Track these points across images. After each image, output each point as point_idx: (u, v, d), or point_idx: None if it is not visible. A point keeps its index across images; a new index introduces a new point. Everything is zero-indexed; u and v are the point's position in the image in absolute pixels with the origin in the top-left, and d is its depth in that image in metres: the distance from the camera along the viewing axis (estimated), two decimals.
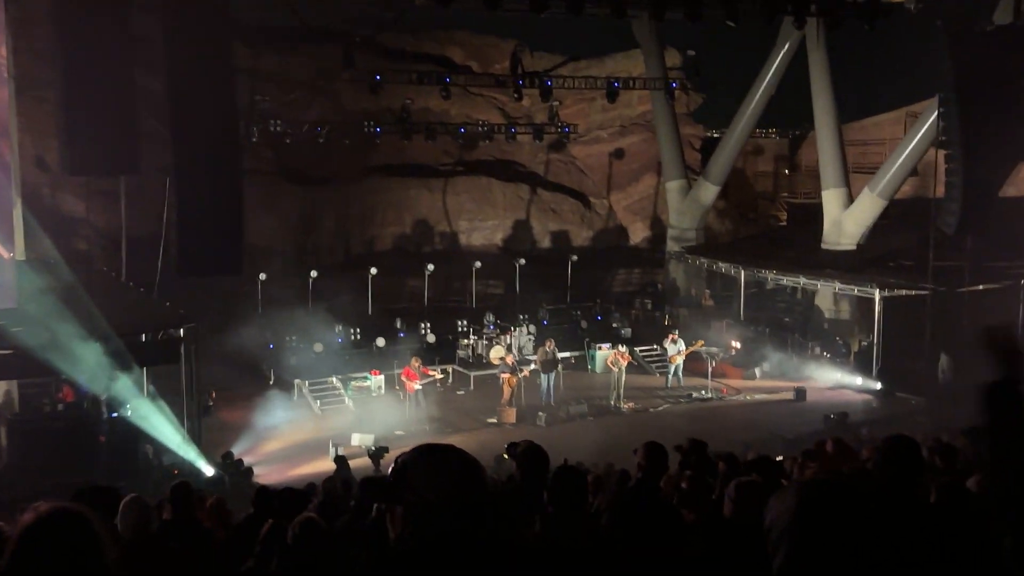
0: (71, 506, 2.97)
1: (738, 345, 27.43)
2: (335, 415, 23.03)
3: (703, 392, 24.92)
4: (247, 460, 18.87)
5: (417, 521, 3.01)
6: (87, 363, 16.50)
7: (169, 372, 18.82)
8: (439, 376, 23.72)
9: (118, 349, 16.87)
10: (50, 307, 16.57)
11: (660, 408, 24.02)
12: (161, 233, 23.33)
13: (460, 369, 26.07)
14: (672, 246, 34.67)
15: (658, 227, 38.51)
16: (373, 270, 28.66)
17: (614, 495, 4.74)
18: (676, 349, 25.55)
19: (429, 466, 3.11)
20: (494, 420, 22.35)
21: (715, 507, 6.19)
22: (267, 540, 6.42)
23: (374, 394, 24.39)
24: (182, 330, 18.79)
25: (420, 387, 22.16)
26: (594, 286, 33.68)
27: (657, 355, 27.61)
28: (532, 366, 23.97)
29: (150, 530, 5.97)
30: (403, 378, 22.32)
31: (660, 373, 26.71)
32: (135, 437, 17.64)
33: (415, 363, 22.37)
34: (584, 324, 30.43)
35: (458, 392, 25.16)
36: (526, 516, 5.13)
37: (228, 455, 18.57)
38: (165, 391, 18.69)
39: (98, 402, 17.82)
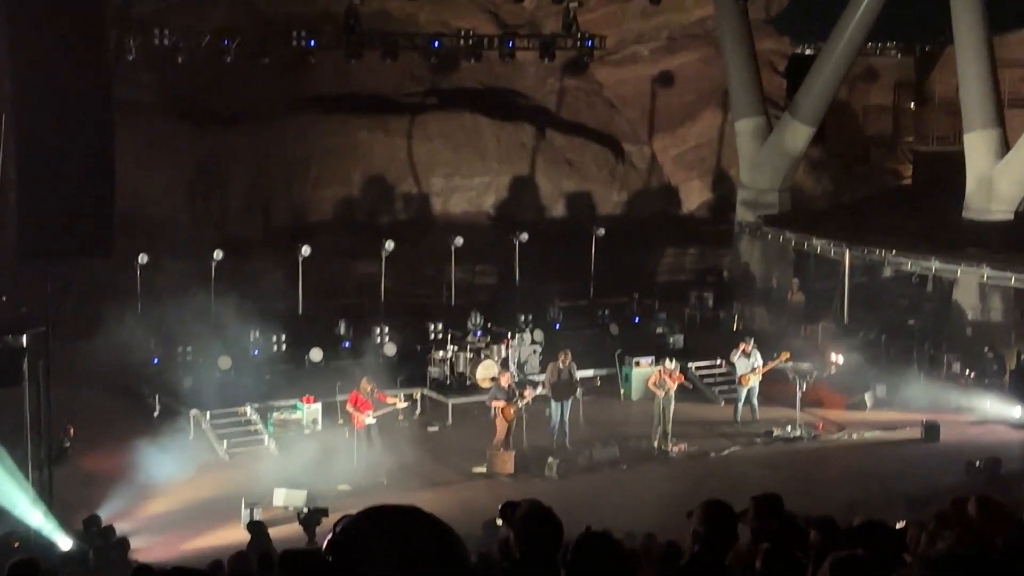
0: None
1: (840, 360, 27.46)
2: (250, 462, 23.06)
3: (789, 428, 24.97)
4: (120, 528, 18.84)
5: None
6: None
7: (7, 399, 18.79)
8: (402, 405, 23.76)
9: None
10: None
11: (726, 452, 24.06)
12: None
13: (433, 395, 26.12)
14: (744, 215, 34.80)
15: (723, 187, 38.61)
16: (305, 249, 28.67)
17: None
18: (749, 365, 25.57)
19: (383, 537, 3.16)
20: (482, 469, 22.38)
21: None
22: None
23: (307, 431, 24.45)
24: (25, 338, 18.75)
25: (374, 421, 22.20)
26: (629, 274, 33.75)
27: (722, 375, 27.67)
28: (539, 390, 24.02)
29: None
30: (349, 408, 22.36)
31: (726, 401, 26.79)
32: None
33: (366, 386, 22.41)
34: (615, 329, 30.46)
35: (430, 428, 25.22)
36: None
37: (93, 520, 18.56)
38: (1, 427, 18.65)
39: None
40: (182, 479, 21.72)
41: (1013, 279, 27.27)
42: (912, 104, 41.83)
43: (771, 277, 33.59)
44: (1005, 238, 28.70)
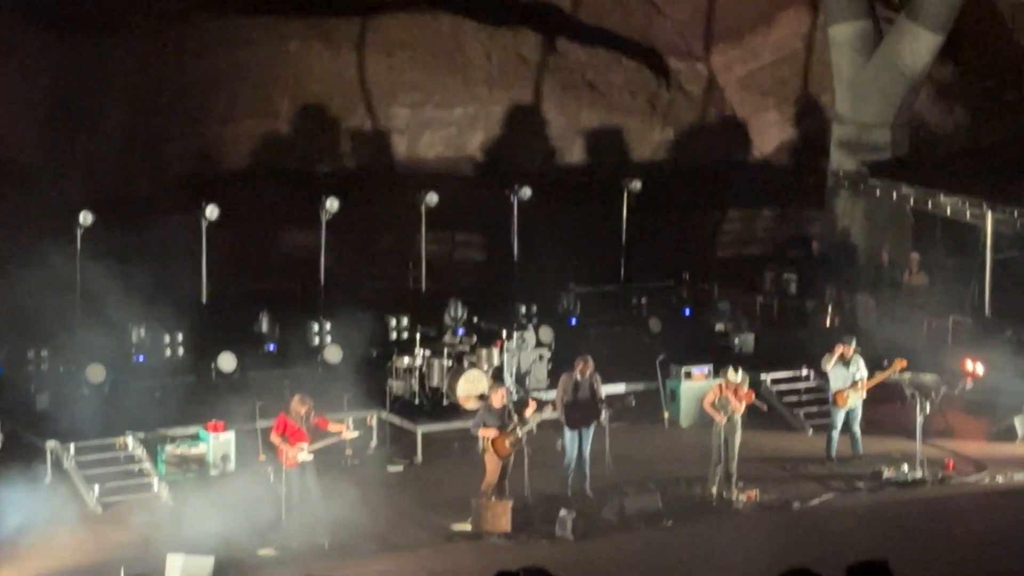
0: None
1: (979, 369, 27.40)
2: (132, 515, 22.97)
3: (905, 468, 24.94)
4: None
5: None
6: None
7: None
8: (350, 435, 23.69)
9: None
10: None
11: (816, 501, 24.01)
12: None
13: (395, 420, 26.14)
14: (842, 161, 34.77)
15: (812, 122, 38.49)
16: (212, 211, 28.53)
17: None
18: (848, 378, 25.54)
19: None
20: (466, 526, 22.31)
21: None
22: None
23: (214, 471, 24.44)
24: None
25: (310, 457, 22.14)
26: (677, 246, 33.68)
27: (810, 391, 27.70)
28: (547, 413, 23.98)
29: None
30: (276, 439, 22.26)
31: (816, 429, 26.86)
32: None
33: (300, 408, 22.28)
34: (656, 326, 30.51)
35: (391, 468, 25.23)
36: None
37: None
38: None
39: None
40: (35, 539, 21.61)
41: None
42: None
43: (882, 251, 33.52)
44: None
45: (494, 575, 6.25)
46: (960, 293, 31.93)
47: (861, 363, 25.59)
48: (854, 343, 25.97)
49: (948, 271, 33.21)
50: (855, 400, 25.51)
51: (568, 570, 5.71)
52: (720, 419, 23.88)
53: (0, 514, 21.89)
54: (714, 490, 23.86)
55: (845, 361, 25.52)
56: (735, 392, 24.06)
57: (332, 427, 22.76)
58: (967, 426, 27.03)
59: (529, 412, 23.01)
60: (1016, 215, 30.20)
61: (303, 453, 21.91)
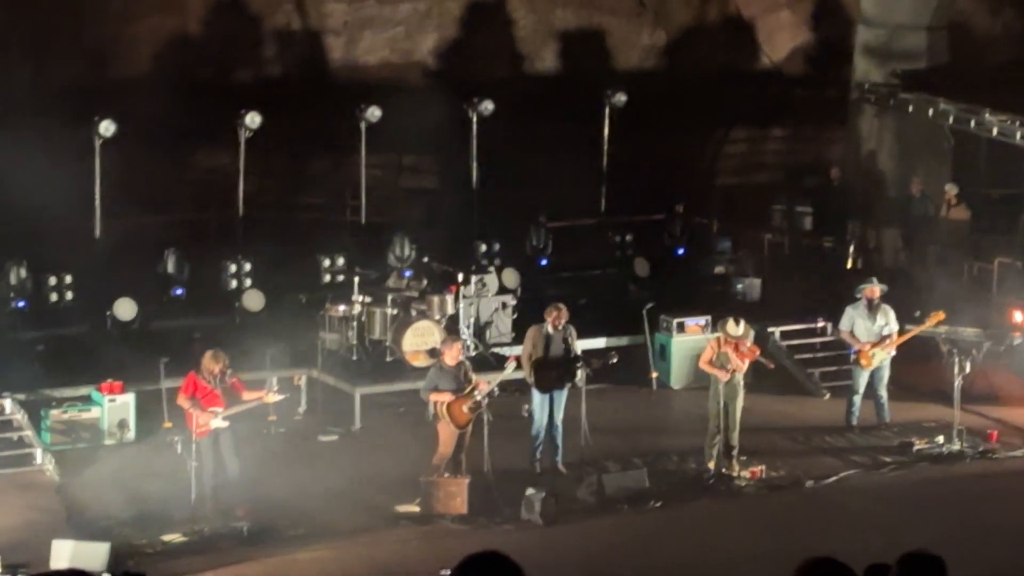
0: None
1: None
2: (12, 492, 23.04)
3: (941, 440, 25.13)
4: None
5: None
6: None
7: None
8: (273, 398, 23.73)
9: None
10: None
11: (833, 479, 24.19)
12: None
13: (329, 380, 26.26)
14: (867, 71, 34.88)
15: (832, 23, 38.54)
16: (106, 127, 28.49)
17: None
18: (875, 331, 25.71)
19: None
20: (415, 508, 22.41)
21: None
22: None
23: (109, 440, 24.52)
24: None
25: (225, 424, 22.18)
26: (669, 172, 33.74)
27: (826, 346, 27.86)
28: (509, 369, 24.05)
29: None
30: (184, 402, 22.27)
31: (834, 392, 27.08)
32: None
33: (212, 365, 22.32)
34: (643, 268, 30.62)
35: (323, 438, 25.34)
36: None
37: None
38: None
39: None
40: None
41: None
42: None
43: (912, 179, 33.64)
44: None
45: (460, 563, 6.24)
46: (1008, 231, 32.11)
47: (891, 314, 25.74)
48: (878, 288, 26.06)
49: (993, 204, 33.35)
50: (881, 359, 25.66)
51: (536, 560, 5.67)
52: (722, 376, 23.92)
53: None
54: (712, 465, 23.98)
55: (870, 311, 25.65)
56: (736, 348, 24.17)
57: (249, 394, 22.78)
58: (1014, 390, 27.14)
59: (490, 380, 23.12)
60: None
61: (216, 419, 21.93)
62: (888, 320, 25.65)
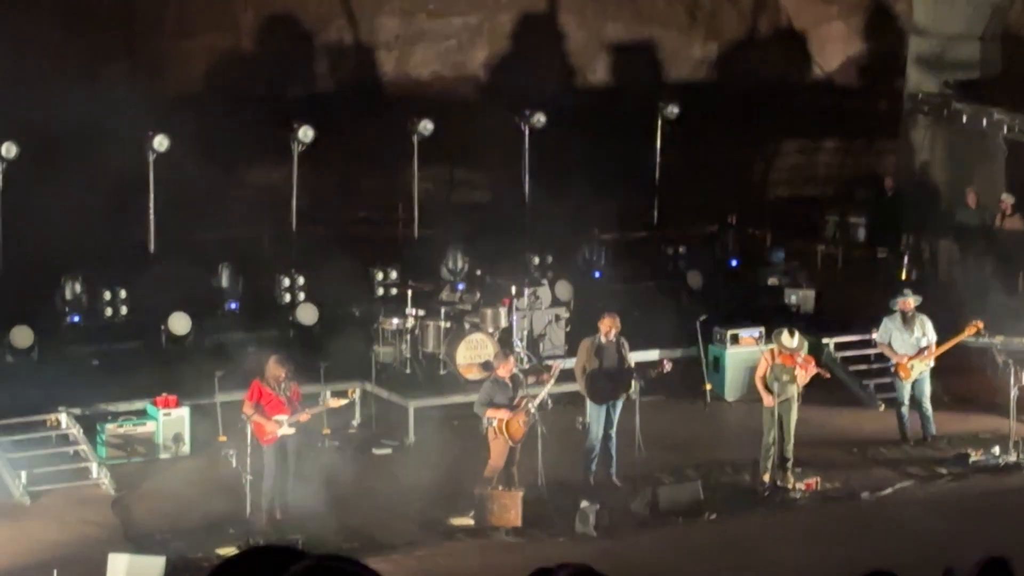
0: None
1: None
2: (67, 507, 23.09)
3: (997, 451, 24.99)
4: None
5: None
6: None
7: None
8: (337, 403, 23.78)
9: None
10: None
11: (889, 491, 24.09)
12: None
13: (383, 393, 26.28)
14: (921, 82, 34.75)
15: (885, 33, 38.41)
16: (160, 142, 28.55)
17: None
18: (913, 342, 25.60)
19: None
20: (468, 521, 22.41)
21: None
22: None
23: (165, 454, 24.58)
24: None
25: (292, 430, 22.18)
26: (721, 184, 33.67)
27: (881, 356, 27.67)
28: (554, 377, 23.98)
29: None
30: (248, 410, 22.27)
31: (889, 404, 26.91)
32: None
33: (277, 371, 22.34)
34: (696, 280, 30.55)
35: (378, 451, 25.36)
36: None
37: None
38: None
39: None
40: None
41: None
42: None
43: (966, 189, 33.47)
44: None
45: (535, 572, 6.21)
46: None
47: (928, 325, 25.73)
48: (911, 298, 26.14)
49: None
50: (920, 370, 25.62)
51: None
52: (768, 401, 23.88)
53: None
54: (767, 477, 23.97)
55: (908, 322, 25.63)
56: (791, 358, 24.09)
57: (325, 405, 22.84)
58: None
59: (543, 393, 23.10)
60: None
61: (283, 427, 21.94)
62: (925, 331, 25.65)
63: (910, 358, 25.53)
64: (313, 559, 3.97)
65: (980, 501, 23.64)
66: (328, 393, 23.87)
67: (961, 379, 26.56)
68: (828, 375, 25.74)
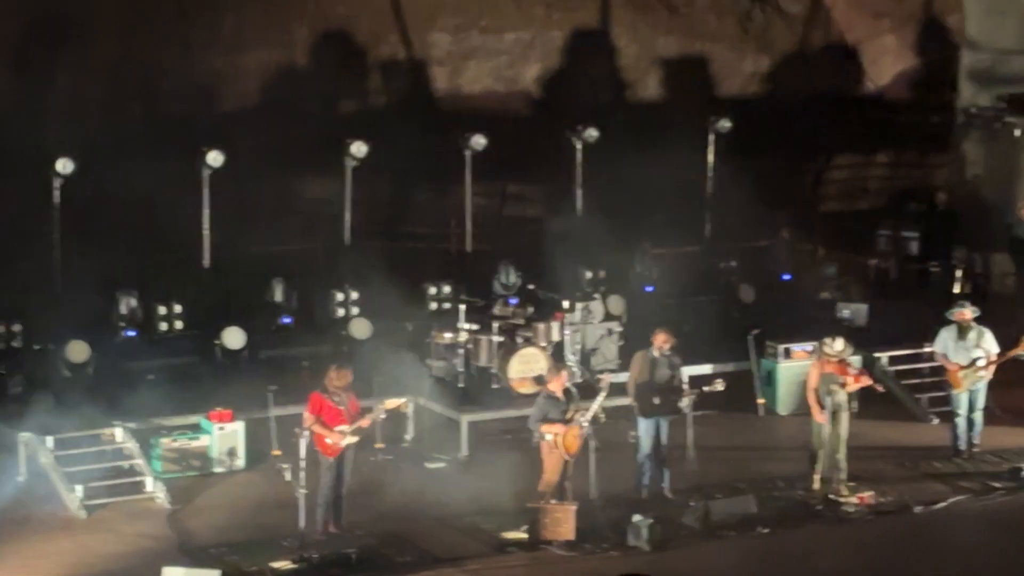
0: None
1: None
2: (122, 520, 23.14)
3: None
4: None
5: None
6: None
7: None
8: (393, 403, 23.79)
9: None
10: None
11: (939, 506, 23.98)
12: None
13: (435, 408, 26.29)
14: (974, 95, 34.65)
15: (937, 47, 38.30)
16: (215, 157, 28.59)
17: None
18: (968, 352, 25.53)
19: None
20: (522, 534, 22.38)
21: None
22: None
23: (219, 468, 24.66)
24: None
25: (354, 439, 22.21)
26: (773, 198, 33.63)
27: (935, 370, 27.58)
28: (604, 390, 23.95)
29: None
30: (310, 422, 22.23)
31: (943, 418, 26.81)
32: None
33: (337, 380, 22.34)
34: (748, 294, 30.53)
35: (430, 465, 25.35)
36: None
37: None
38: None
39: None
40: (5, 551, 21.79)
41: None
42: None
43: (1019, 203, 33.35)
44: None
45: None
46: None
47: (987, 336, 25.60)
48: (970, 310, 25.98)
49: None
50: (974, 380, 25.51)
51: None
52: (820, 418, 23.84)
53: None
54: (818, 488, 23.91)
55: (964, 332, 25.56)
56: (843, 371, 24.05)
57: (379, 411, 22.87)
58: None
59: (597, 407, 23.06)
60: None
61: (346, 437, 21.95)
62: (983, 343, 25.49)
63: (962, 368, 25.44)
64: None
65: None
66: (381, 407, 23.82)
67: (1015, 393, 26.47)
68: (881, 388, 25.69)
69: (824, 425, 23.84)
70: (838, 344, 24.00)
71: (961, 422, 25.71)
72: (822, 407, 23.85)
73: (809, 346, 26.97)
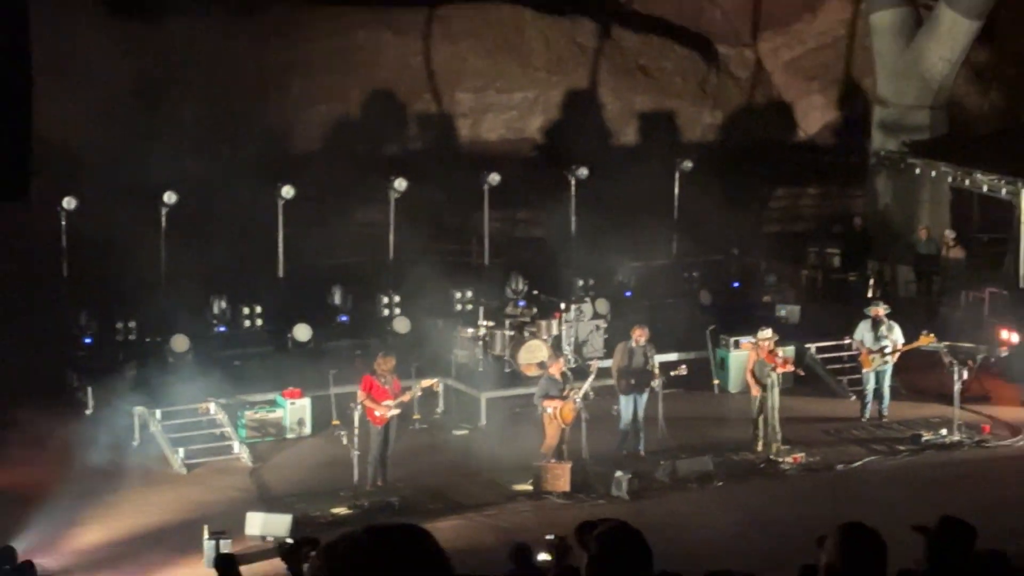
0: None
1: (1015, 338, 27.22)
2: (214, 476, 23.21)
3: (943, 432, 24.85)
4: (41, 564, 18.96)
5: None
6: None
7: None
8: (427, 383, 23.87)
9: None
10: None
11: (857, 464, 23.98)
12: None
13: (460, 387, 26.25)
14: (883, 142, 34.59)
15: (854, 104, 38.29)
16: (287, 190, 28.63)
17: None
18: (877, 340, 25.59)
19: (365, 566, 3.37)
20: (527, 487, 22.39)
21: None
22: None
23: (290, 434, 24.68)
24: None
25: (397, 410, 22.28)
26: (726, 223, 33.59)
27: (853, 358, 27.53)
28: (593, 374, 23.96)
29: None
30: (362, 398, 22.30)
31: (857, 395, 26.77)
32: None
33: (384, 365, 22.41)
34: (706, 298, 30.41)
35: (457, 432, 25.33)
36: None
37: (5, 554, 18.69)
38: None
39: None
40: (124, 499, 21.83)
41: None
42: None
43: (919, 227, 33.33)
44: None
45: (578, 525, 6.29)
46: (995, 267, 31.87)
47: (896, 329, 25.76)
48: (883, 306, 26.28)
49: (984, 246, 33.10)
50: (879, 364, 25.68)
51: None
52: (755, 392, 23.96)
53: (92, 475, 22.16)
54: (760, 450, 23.98)
55: (876, 326, 25.71)
56: (774, 357, 24.19)
57: (412, 391, 22.97)
58: (1003, 392, 26.85)
59: (586, 386, 23.12)
60: None
61: (391, 410, 22.09)
62: (892, 335, 25.64)
63: (871, 352, 25.58)
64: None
65: (930, 472, 23.53)
66: (418, 387, 23.88)
67: (916, 376, 26.53)
68: (802, 373, 25.96)
69: (759, 398, 24.01)
70: (767, 332, 24.35)
71: (867, 396, 25.88)
72: (759, 384, 24.01)
73: (753, 339, 27.04)
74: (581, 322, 27.44)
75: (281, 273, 28.90)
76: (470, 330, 26.75)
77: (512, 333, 26.66)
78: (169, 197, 27.63)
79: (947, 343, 25.74)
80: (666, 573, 5.42)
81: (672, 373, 24.84)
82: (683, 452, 23.63)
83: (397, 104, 35.79)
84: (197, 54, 33.62)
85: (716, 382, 27.37)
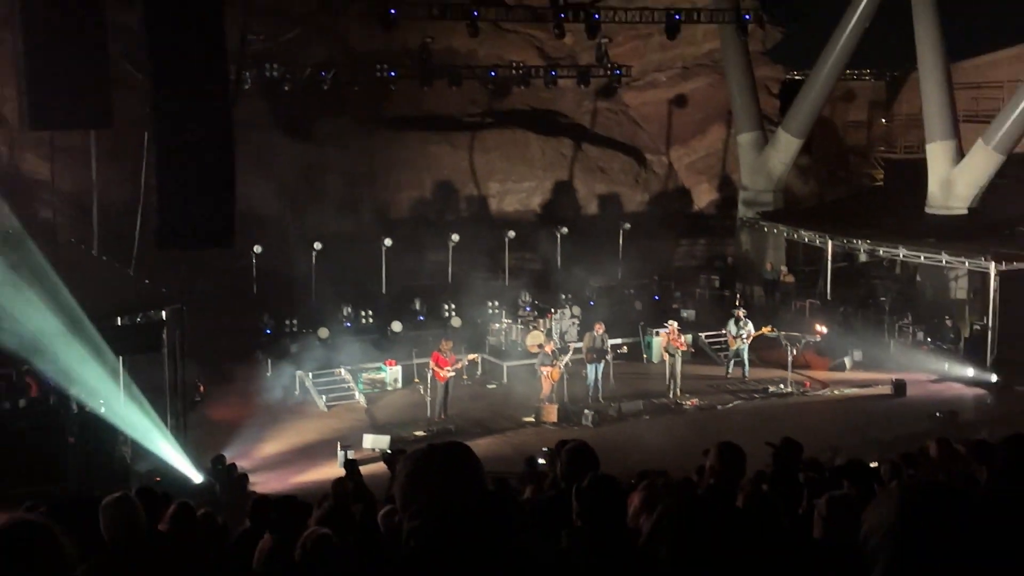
0: (31, 517, 3.31)
1: (824, 330, 27.27)
2: (344, 413, 23.28)
3: (781, 386, 24.85)
4: (241, 465, 19.05)
5: (416, 535, 3.25)
6: (53, 351, 16.28)
7: (150, 361, 18.84)
8: (472, 356, 23.97)
9: (90, 335, 16.76)
10: (8, 284, 16.36)
11: (730, 405, 23.96)
12: (138, 198, 23.40)
13: (491, 359, 26.25)
14: (744, 211, 34.52)
15: (728, 189, 38.31)
16: (387, 241, 28.77)
17: (679, 504, 4.75)
18: (738, 330, 25.62)
19: (415, 474, 3.37)
20: (531, 419, 22.45)
21: (800, 525, 6.22)
22: (270, 558, 6.52)
23: (389, 387, 24.74)
24: (164, 312, 18.96)
25: (453, 373, 22.40)
26: (651, 260, 33.62)
27: (724, 342, 27.61)
28: (575, 354, 24.02)
29: (138, 534, 5.94)
30: (432, 365, 22.43)
31: (727, 363, 26.79)
32: (110, 438, 17.61)
33: (446, 346, 22.54)
34: (639, 305, 30.40)
35: (489, 386, 25.31)
36: (561, 529, 5.21)
37: (219, 460, 18.72)
38: (145, 384, 18.42)
39: (66, 397, 17.50)
40: (290, 427, 21.96)
41: (967, 264, 26.99)
42: (883, 120, 41.35)
43: (767, 263, 33.34)
44: (961, 230, 28.41)
45: (558, 441, 6.31)
46: (812, 286, 31.96)
47: (750, 325, 25.84)
48: (742, 310, 26.46)
49: (806, 275, 33.12)
50: (740, 346, 25.74)
51: (591, 444, 5.86)
52: (667, 360, 24.05)
53: (271, 412, 22.29)
54: (671, 396, 24.01)
55: (739, 321, 25.80)
56: (677, 340, 24.30)
57: (463, 360, 23.05)
58: (817, 362, 26.92)
59: (567, 359, 23.18)
60: (844, 242, 30.10)
61: (450, 372, 22.19)
62: (748, 327, 25.76)
63: (735, 339, 25.65)
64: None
65: (774, 410, 23.57)
66: (467, 358, 23.91)
67: (764, 352, 26.62)
68: (692, 350, 26.10)
69: (669, 364, 24.06)
70: (674, 324, 24.74)
71: (730, 364, 26.06)
72: (669, 356, 24.03)
73: (666, 329, 27.07)
74: (564, 320, 27.42)
75: (384, 290, 28.98)
76: (497, 325, 26.84)
77: (522, 327, 26.77)
78: (317, 246, 27.77)
79: (783, 332, 25.84)
80: (608, 475, 5.41)
81: (619, 351, 24.95)
82: (625, 398, 23.67)
83: (453, 190, 35.90)
84: (334, 159, 33.73)
85: (645, 356, 27.35)
